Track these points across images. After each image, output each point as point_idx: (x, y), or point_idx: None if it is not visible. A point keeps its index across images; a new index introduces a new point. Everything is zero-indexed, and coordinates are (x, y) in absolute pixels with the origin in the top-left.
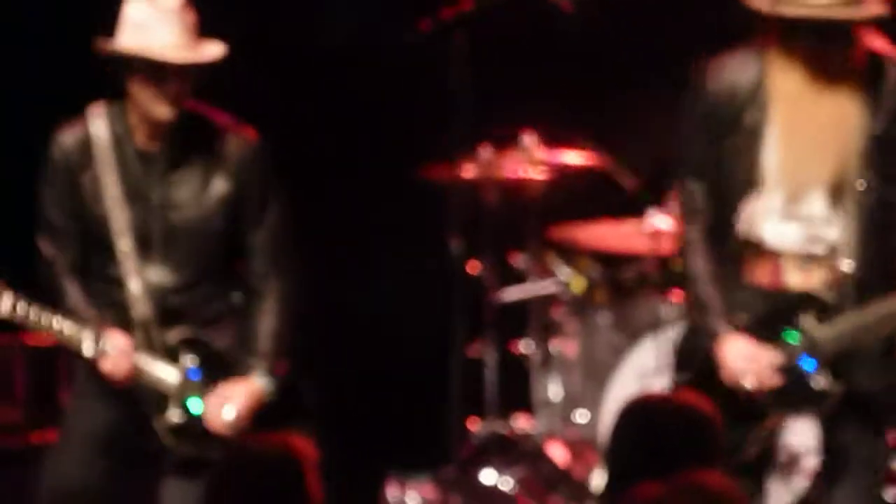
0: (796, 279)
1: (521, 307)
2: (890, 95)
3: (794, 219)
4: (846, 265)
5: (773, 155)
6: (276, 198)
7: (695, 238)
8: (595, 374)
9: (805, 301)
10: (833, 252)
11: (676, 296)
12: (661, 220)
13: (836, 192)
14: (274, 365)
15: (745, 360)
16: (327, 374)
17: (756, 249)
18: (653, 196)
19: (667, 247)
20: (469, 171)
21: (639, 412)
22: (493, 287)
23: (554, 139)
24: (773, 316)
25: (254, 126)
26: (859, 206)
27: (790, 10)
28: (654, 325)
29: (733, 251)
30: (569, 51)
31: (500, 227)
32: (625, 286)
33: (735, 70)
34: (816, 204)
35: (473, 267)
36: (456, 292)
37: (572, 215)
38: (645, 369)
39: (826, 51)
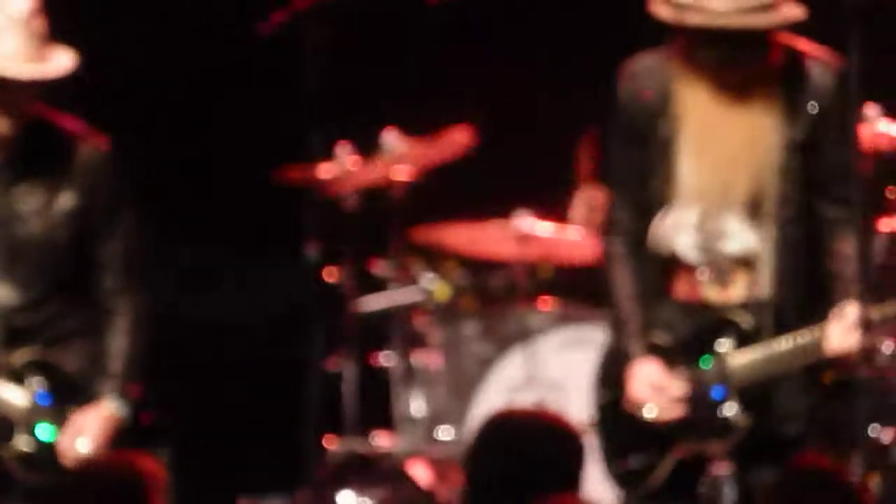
0: (713, 295)
1: (382, 317)
2: (811, 96)
3: (710, 234)
4: (763, 284)
5: (686, 169)
6: (130, 209)
7: (616, 251)
8: (460, 388)
9: (724, 325)
10: (751, 269)
11: (545, 304)
12: (529, 224)
13: (754, 208)
14: (127, 387)
15: (650, 388)
16: (175, 390)
17: (673, 264)
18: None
19: (535, 252)
20: (327, 173)
21: (501, 427)
22: (352, 295)
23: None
24: (692, 339)
25: (98, 125)
26: (777, 221)
27: (694, 19)
28: (523, 336)
29: (654, 264)
30: (438, 44)
31: (360, 232)
32: (492, 294)
33: (645, 78)
34: (733, 219)
35: (331, 274)
36: (312, 301)
37: (437, 218)
38: (513, 382)
39: (735, 60)
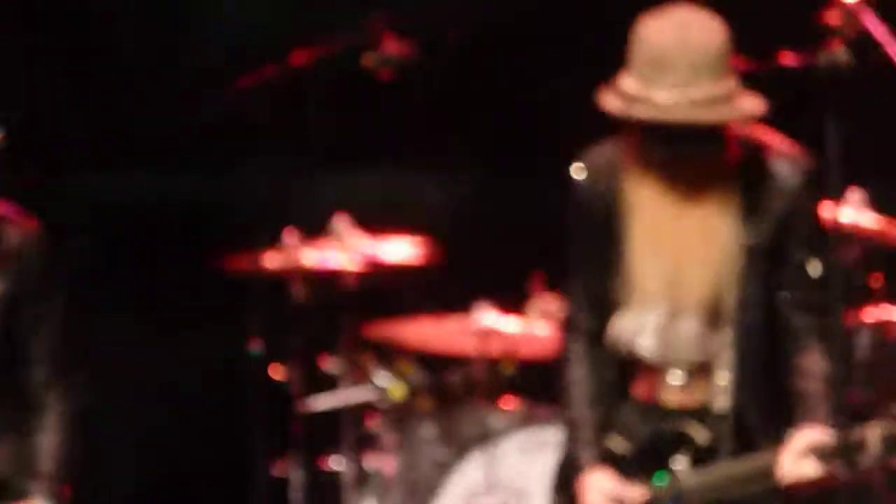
0: (674, 398)
1: (333, 418)
2: (775, 196)
3: (669, 337)
4: (722, 395)
5: (640, 270)
6: (59, 297)
7: (574, 349)
8: (416, 495)
9: (680, 439)
10: (709, 377)
11: (508, 403)
12: (489, 318)
13: (713, 312)
14: (58, 487)
15: (605, 499)
16: (110, 495)
17: (633, 363)
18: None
19: (497, 348)
20: (273, 261)
21: None
22: (300, 395)
23: (372, 224)
24: (648, 450)
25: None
26: (738, 327)
27: (641, 113)
28: (483, 438)
29: (614, 363)
30: (388, 122)
31: (309, 326)
32: (450, 393)
33: (597, 173)
34: (692, 323)
35: (277, 371)
36: (258, 401)
37: (391, 312)
38: (473, 488)
39: (686, 155)
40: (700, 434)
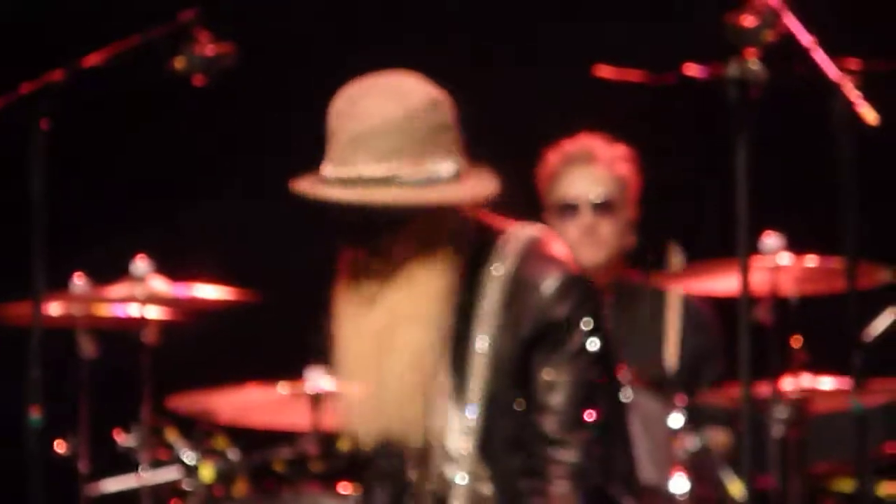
0: None
1: (129, 503)
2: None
3: None
4: None
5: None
6: None
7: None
8: None
9: None
10: None
11: (346, 487)
12: (324, 382)
13: None
14: None
15: None
16: None
17: None
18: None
19: (332, 420)
20: (57, 310)
21: None
22: (89, 475)
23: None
24: None
25: None
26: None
27: (303, 187)
28: None
29: None
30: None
31: (101, 390)
32: (275, 474)
33: None
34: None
35: (61, 446)
36: (35, 481)
37: (201, 376)
38: None
39: (356, 246)
40: None
